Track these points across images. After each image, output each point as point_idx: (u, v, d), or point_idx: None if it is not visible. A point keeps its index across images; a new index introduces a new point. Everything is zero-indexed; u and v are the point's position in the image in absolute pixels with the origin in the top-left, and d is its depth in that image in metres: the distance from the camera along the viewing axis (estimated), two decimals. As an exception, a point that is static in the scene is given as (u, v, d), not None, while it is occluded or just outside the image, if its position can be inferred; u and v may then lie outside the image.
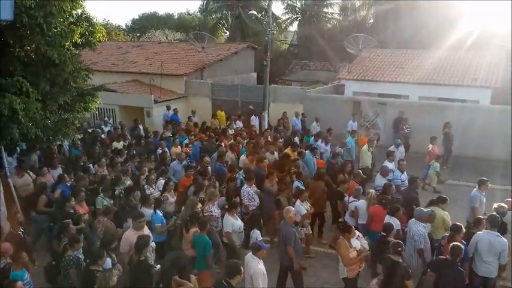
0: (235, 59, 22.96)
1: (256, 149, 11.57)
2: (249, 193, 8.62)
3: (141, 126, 15.62)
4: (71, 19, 9.45)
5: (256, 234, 7.06)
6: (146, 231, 6.80)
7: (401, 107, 15.42)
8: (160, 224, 7.48)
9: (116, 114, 17.50)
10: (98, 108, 16.50)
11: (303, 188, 8.66)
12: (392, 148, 11.60)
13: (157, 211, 7.62)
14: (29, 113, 7.63)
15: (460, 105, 15.37)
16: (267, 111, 15.56)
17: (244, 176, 9.32)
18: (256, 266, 5.73)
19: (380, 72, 19.61)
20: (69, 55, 8.67)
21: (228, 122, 15.63)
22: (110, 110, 17.51)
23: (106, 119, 16.42)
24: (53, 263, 6.64)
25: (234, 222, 7.30)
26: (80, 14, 9.64)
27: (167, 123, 15.76)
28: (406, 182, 9.35)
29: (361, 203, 8.27)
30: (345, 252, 6.31)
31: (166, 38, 36.01)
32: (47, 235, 8.24)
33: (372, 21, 33.46)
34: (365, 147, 11.64)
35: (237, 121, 15.92)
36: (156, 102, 17.23)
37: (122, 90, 17.94)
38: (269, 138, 12.79)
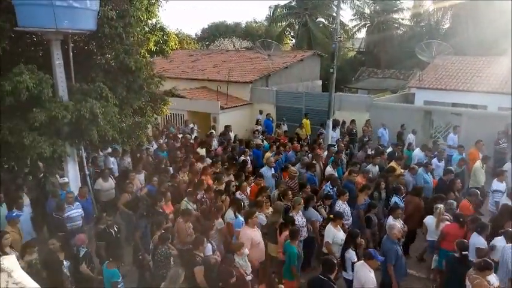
0: (300, 66, 22.91)
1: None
2: (344, 210, 8.10)
3: (231, 134, 15.62)
4: (146, 28, 10.04)
5: (350, 255, 6.56)
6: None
7: (478, 117, 14.36)
8: (239, 229, 7.35)
9: (184, 119, 18.15)
10: (168, 113, 17.34)
11: (401, 205, 8.17)
12: (506, 166, 10.50)
13: (239, 216, 7.60)
14: (107, 117, 8.18)
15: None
16: (331, 119, 15.25)
17: (331, 187, 9.01)
18: (367, 275, 5.69)
19: (455, 81, 18.47)
20: (144, 62, 9.19)
21: (319, 132, 15.04)
22: (179, 115, 18.26)
23: (192, 125, 16.59)
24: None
25: (336, 234, 7.06)
26: (154, 23, 10.22)
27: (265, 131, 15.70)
28: None
29: (430, 219, 7.80)
30: None
31: (234, 46, 36.86)
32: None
33: (446, 26, 31.75)
34: (478, 164, 10.54)
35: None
36: (222, 108, 17.64)
37: (191, 96, 18.61)
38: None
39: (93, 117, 7.82)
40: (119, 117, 8.89)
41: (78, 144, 8.69)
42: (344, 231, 7.31)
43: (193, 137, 14.88)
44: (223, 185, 9.10)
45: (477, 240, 6.71)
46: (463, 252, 6.24)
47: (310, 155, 11.87)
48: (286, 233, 6.85)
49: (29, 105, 7.42)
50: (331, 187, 9.08)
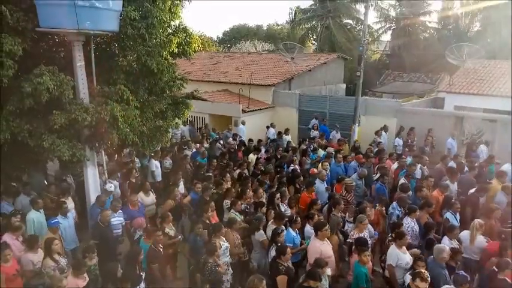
0: (324, 69, 22.45)
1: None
2: (413, 229, 7.32)
3: (286, 136, 15.00)
4: (169, 30, 9.80)
5: (405, 279, 5.99)
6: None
7: (514, 124, 13.62)
8: (291, 245, 6.77)
9: (206, 122, 17.92)
10: (190, 116, 17.13)
11: (455, 223, 7.44)
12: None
13: (290, 230, 7.09)
14: (128, 120, 7.98)
15: None
16: (357, 124, 14.74)
17: (399, 209, 8.06)
18: None
19: (487, 85, 17.71)
20: (166, 64, 8.94)
21: (378, 141, 13.83)
22: (200, 118, 18.04)
23: (241, 125, 16.15)
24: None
25: (400, 256, 6.31)
26: (177, 25, 9.97)
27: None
28: None
29: (465, 234, 7.18)
30: None
31: (256, 48, 36.63)
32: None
33: (475, 29, 30.72)
34: None
35: (396, 139, 14.05)
36: (244, 112, 17.33)
37: (212, 99, 18.39)
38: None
39: (113, 121, 7.61)
40: (139, 121, 8.67)
41: (98, 148, 8.48)
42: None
43: (238, 141, 14.06)
44: (263, 197, 8.57)
45: None
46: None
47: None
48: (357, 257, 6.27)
49: (49, 108, 7.24)
50: (399, 208, 8.09)
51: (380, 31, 34.65)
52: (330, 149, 12.26)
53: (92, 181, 8.75)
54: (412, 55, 31.09)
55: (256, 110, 18.29)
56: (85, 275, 5.86)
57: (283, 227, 7.04)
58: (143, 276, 5.96)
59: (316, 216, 7.45)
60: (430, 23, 33.48)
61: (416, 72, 27.63)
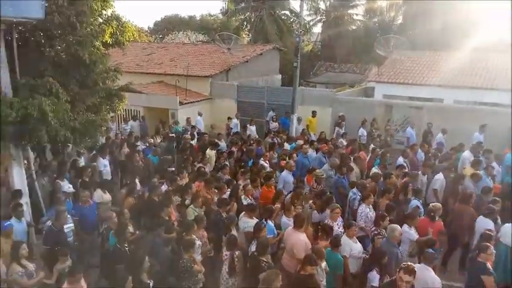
0: (260, 60, 22.56)
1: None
2: (368, 215, 7.30)
3: (251, 127, 14.77)
4: (100, 19, 9.25)
5: (373, 277, 5.84)
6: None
7: (438, 111, 14.71)
8: (272, 236, 6.81)
9: (140, 116, 17.24)
10: (123, 109, 16.36)
11: (421, 210, 7.55)
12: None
13: (269, 222, 6.97)
14: (58, 115, 7.44)
15: (506, 111, 13.32)
16: (296, 114, 15.02)
17: (360, 194, 8.01)
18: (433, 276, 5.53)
19: (412, 75, 18.94)
20: (99, 55, 8.45)
21: (342, 132, 13.81)
22: (134, 111, 17.31)
23: (199, 116, 15.34)
24: None
25: (352, 246, 6.36)
26: (109, 14, 9.43)
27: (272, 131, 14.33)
28: None
29: None
30: None
31: (189, 39, 35.90)
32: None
33: (399, 22, 32.69)
34: None
35: (361, 129, 13.96)
36: (181, 104, 16.90)
37: (147, 91, 17.71)
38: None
39: (41, 116, 7.02)
40: (70, 115, 8.08)
41: (25, 146, 7.80)
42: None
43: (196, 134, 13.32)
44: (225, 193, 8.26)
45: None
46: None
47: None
48: (324, 242, 6.24)
49: (-34, 103, 6.54)
50: (360, 194, 8.04)
51: (311, 23, 35.56)
52: (300, 141, 12.08)
53: (18, 181, 8.04)
54: (342, 46, 32.34)
55: (194, 101, 17.94)
56: (82, 282, 5.34)
57: (264, 221, 6.87)
58: (151, 285, 5.47)
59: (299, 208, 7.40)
60: (357, 16, 35.05)
61: (347, 63, 28.88)
